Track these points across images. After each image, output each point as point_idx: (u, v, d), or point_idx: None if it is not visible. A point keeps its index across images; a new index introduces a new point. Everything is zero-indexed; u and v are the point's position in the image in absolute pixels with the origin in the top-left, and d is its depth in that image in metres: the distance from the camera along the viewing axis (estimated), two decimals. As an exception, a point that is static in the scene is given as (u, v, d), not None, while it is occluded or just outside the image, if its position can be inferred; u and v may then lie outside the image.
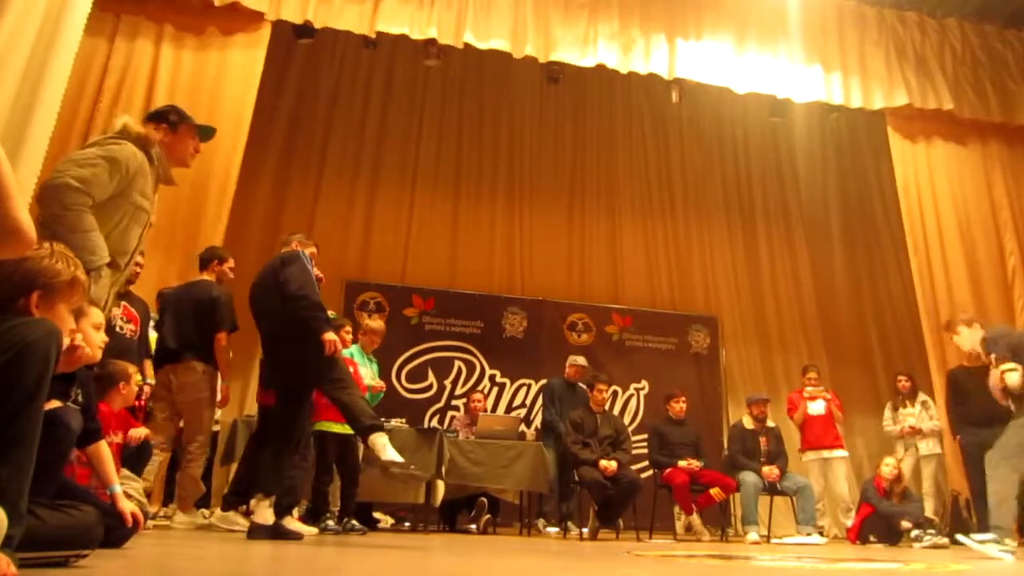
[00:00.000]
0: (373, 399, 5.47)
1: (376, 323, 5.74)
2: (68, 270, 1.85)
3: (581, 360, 6.97)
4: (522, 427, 6.84)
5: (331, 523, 4.77)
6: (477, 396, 6.91)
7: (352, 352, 5.18)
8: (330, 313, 5.16)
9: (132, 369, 3.65)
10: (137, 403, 4.46)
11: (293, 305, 3.80)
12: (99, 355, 2.31)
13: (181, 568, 2.27)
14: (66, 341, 1.81)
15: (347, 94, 8.55)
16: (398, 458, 3.62)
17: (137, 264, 4.35)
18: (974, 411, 5.95)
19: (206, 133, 3.21)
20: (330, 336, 3.78)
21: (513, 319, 8.30)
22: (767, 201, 9.56)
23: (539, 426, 7.06)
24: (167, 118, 3.08)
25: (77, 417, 2.24)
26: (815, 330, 9.14)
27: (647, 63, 6.91)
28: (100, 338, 2.35)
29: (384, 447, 3.61)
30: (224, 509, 4.82)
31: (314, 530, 4.56)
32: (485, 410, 6.80)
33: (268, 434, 4.11)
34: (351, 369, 4.92)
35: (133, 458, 3.68)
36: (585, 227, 8.93)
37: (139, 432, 3.68)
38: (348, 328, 5.18)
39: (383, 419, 5.79)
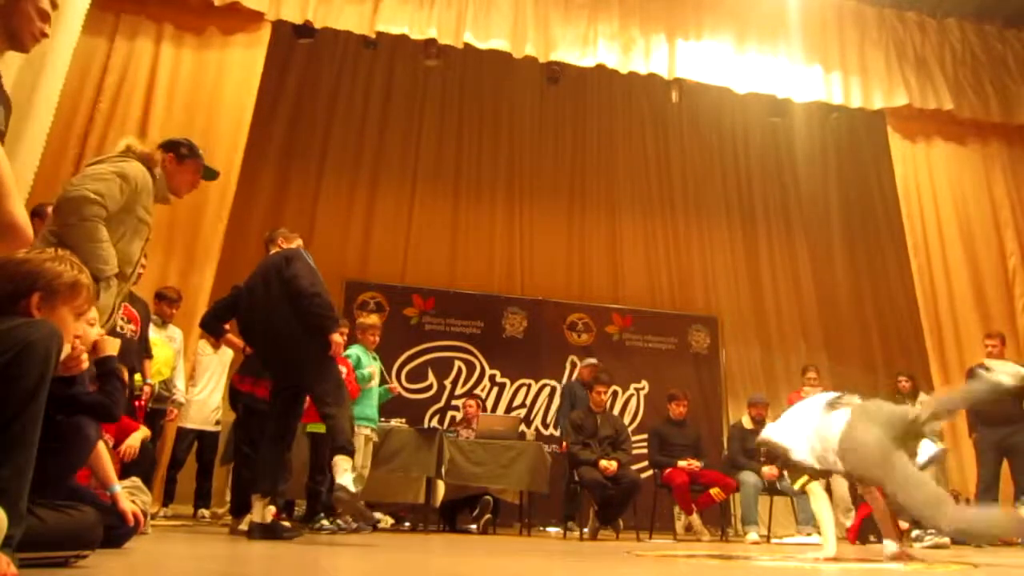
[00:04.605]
0: (384, 395, 5.47)
1: (371, 319, 5.72)
2: (70, 273, 1.85)
3: (591, 360, 7.05)
4: (522, 427, 6.84)
5: (325, 523, 4.76)
6: (470, 402, 6.86)
7: (358, 353, 5.17)
8: None
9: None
10: (137, 403, 4.45)
11: (305, 303, 3.80)
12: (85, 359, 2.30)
13: (181, 568, 2.27)
14: (67, 348, 1.80)
15: (347, 94, 8.54)
16: (351, 487, 3.68)
17: (141, 265, 4.37)
18: (988, 410, 5.96)
19: (210, 174, 3.33)
20: (337, 338, 3.81)
21: (513, 319, 8.30)
22: (767, 201, 9.56)
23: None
24: (178, 149, 3.20)
25: (95, 427, 2.27)
26: (815, 330, 9.14)
27: (647, 63, 6.91)
28: (95, 331, 2.35)
29: (344, 471, 3.68)
30: (236, 515, 4.72)
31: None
32: (478, 415, 6.73)
33: (264, 434, 4.09)
34: (344, 370, 4.93)
35: (141, 467, 3.63)
36: (585, 227, 8.93)
37: (135, 440, 3.64)
38: (346, 329, 5.16)
39: (383, 419, 5.83)
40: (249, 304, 4.10)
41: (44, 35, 1.97)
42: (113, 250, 2.81)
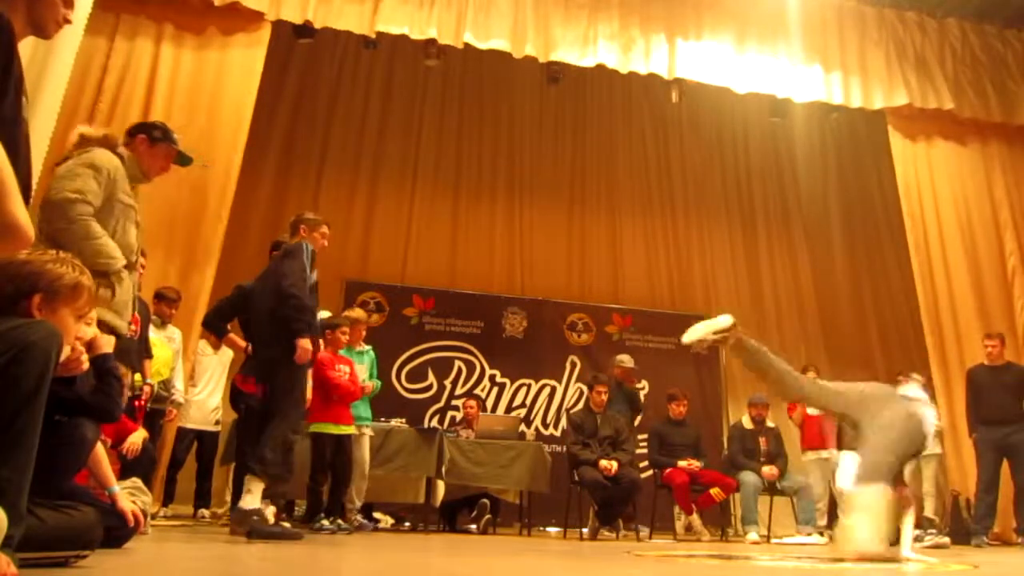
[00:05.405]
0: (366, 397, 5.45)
1: (355, 312, 5.66)
2: (71, 274, 1.85)
3: (628, 362, 6.89)
4: (522, 427, 6.84)
5: (326, 523, 4.76)
6: (470, 402, 6.85)
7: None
8: (326, 313, 5.15)
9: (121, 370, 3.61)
10: (136, 404, 4.45)
11: (281, 302, 3.79)
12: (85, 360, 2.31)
13: (181, 568, 2.27)
14: (67, 349, 1.80)
15: (347, 94, 8.54)
16: (254, 506, 3.58)
17: (140, 264, 4.37)
18: (986, 409, 5.97)
19: (183, 160, 3.27)
20: (304, 343, 3.76)
21: (513, 319, 8.30)
22: (767, 201, 9.55)
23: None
24: (151, 132, 3.17)
25: (93, 428, 2.28)
26: (815, 330, 9.13)
27: (647, 63, 6.90)
28: (91, 331, 2.36)
29: (250, 492, 3.59)
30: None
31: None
32: (478, 415, 6.71)
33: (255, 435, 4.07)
34: (347, 370, 4.92)
35: (141, 467, 3.62)
36: (585, 227, 8.92)
37: (136, 438, 3.64)
38: (345, 329, 5.16)
39: (383, 419, 5.83)
40: (253, 299, 4.13)
41: (68, 21, 1.94)
42: (113, 243, 2.80)
